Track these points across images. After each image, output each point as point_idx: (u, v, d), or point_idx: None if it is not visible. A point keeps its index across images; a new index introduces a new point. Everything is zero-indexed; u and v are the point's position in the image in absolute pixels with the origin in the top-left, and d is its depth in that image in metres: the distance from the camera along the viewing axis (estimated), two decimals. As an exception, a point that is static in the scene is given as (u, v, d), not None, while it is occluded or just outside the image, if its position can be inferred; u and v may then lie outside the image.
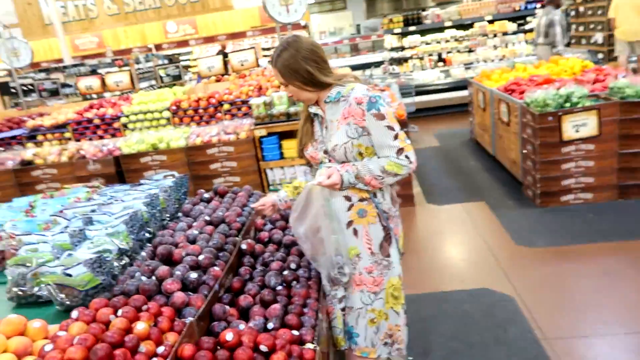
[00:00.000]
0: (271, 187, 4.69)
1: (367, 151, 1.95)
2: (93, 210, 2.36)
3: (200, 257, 1.98)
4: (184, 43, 16.44)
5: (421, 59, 8.96)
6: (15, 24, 14.46)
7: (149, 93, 5.43)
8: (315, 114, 2.06)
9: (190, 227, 2.37)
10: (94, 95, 6.05)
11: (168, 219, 2.56)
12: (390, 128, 1.89)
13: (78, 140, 5.12)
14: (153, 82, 6.00)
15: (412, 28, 8.84)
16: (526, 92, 4.52)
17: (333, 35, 16.95)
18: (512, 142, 4.94)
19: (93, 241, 2.06)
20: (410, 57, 8.96)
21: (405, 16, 8.79)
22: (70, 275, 1.80)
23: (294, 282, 2.05)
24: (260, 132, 4.52)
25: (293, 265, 2.14)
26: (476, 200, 4.77)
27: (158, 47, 16.37)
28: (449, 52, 8.90)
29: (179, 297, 1.70)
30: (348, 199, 1.99)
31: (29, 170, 4.80)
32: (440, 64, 8.95)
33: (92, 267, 1.84)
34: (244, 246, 2.22)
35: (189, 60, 13.77)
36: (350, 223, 2.00)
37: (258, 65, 5.62)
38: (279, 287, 1.99)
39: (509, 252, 3.73)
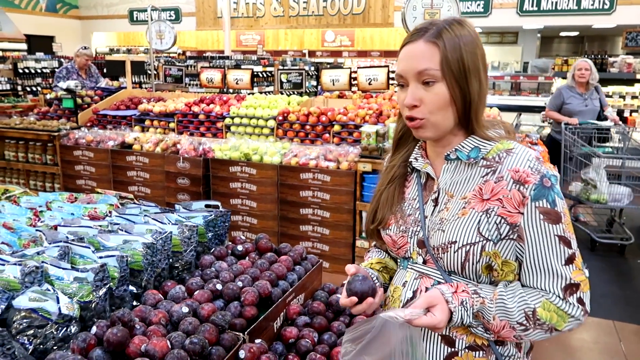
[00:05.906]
0: (363, 235, 3.85)
1: (505, 269, 1.07)
2: (81, 239, 1.77)
3: (152, 368, 1.24)
4: (337, 53, 16.46)
5: (595, 112, 7.37)
6: (192, 12, 15.56)
7: (264, 97, 4.95)
8: (418, 170, 1.20)
9: (189, 295, 1.66)
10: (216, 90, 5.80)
11: (179, 269, 1.88)
12: (565, 242, 1.02)
13: (181, 132, 4.81)
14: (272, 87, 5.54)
15: (591, 75, 7.30)
16: None
17: (494, 70, 15.50)
18: None
19: (41, 289, 1.46)
20: (581, 109, 7.42)
21: (585, 59, 7.28)
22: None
23: None
24: (365, 166, 3.72)
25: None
26: (637, 322, 3.40)
27: (312, 53, 16.58)
28: (634, 111, 7.20)
29: None
30: (449, 342, 1.12)
31: (125, 154, 4.59)
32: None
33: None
34: (242, 354, 1.43)
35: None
36: None
37: (388, 88, 4.82)
38: None
39: None
